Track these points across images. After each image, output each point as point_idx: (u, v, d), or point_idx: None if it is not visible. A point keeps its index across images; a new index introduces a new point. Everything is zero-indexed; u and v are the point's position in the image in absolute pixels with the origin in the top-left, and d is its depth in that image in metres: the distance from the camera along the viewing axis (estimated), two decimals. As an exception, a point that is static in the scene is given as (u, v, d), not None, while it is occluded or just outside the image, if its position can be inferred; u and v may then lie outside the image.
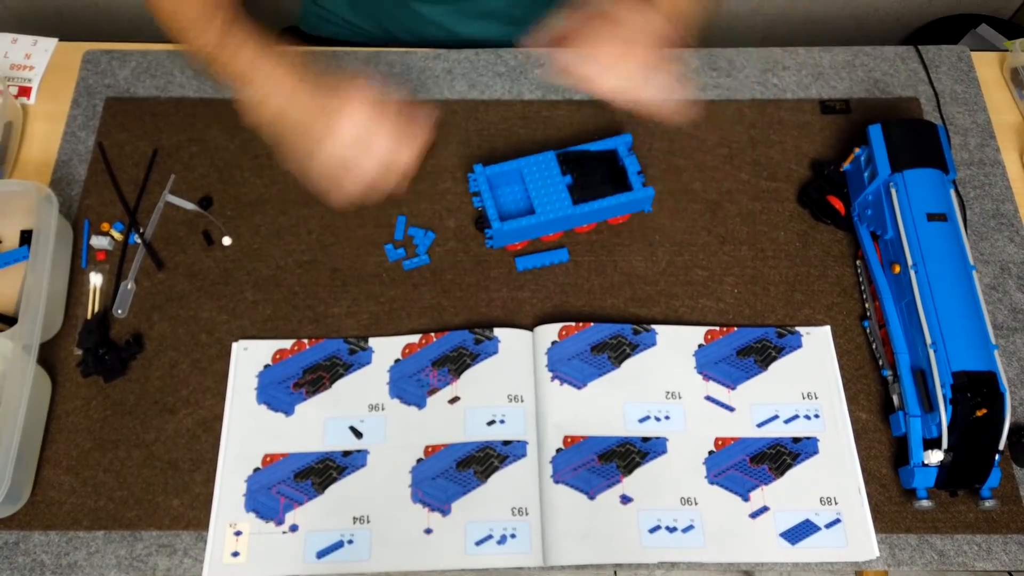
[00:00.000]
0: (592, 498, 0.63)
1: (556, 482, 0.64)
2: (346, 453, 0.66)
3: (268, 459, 0.65)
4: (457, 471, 0.64)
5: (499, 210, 0.72)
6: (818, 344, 0.70)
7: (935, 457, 0.61)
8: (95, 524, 0.64)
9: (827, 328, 0.71)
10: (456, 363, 0.68)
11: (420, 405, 0.67)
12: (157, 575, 0.62)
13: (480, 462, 0.64)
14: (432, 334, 0.70)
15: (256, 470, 0.65)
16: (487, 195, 0.71)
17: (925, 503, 0.62)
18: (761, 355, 0.69)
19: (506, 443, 0.65)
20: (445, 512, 0.63)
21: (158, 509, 0.64)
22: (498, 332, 0.69)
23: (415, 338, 0.70)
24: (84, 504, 0.64)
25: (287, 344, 0.70)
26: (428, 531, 0.63)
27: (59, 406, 0.67)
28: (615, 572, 0.63)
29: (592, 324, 0.70)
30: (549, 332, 0.69)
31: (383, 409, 0.67)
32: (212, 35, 0.69)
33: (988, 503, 0.62)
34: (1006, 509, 0.64)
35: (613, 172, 0.74)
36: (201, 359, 0.69)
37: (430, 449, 0.65)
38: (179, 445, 0.66)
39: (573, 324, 0.69)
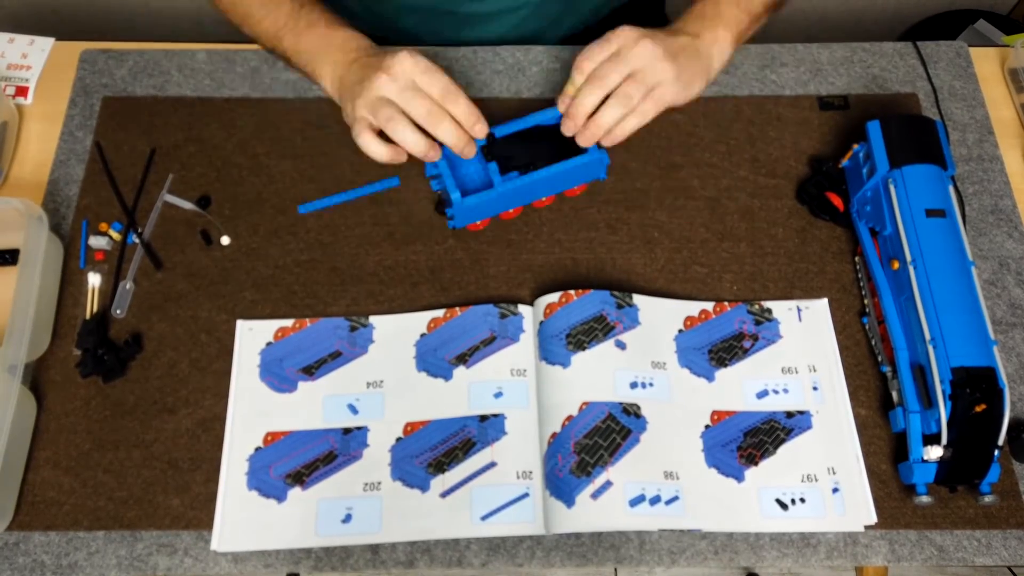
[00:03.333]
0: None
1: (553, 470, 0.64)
2: (347, 431, 0.66)
3: (270, 437, 0.66)
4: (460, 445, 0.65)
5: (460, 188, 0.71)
6: (816, 317, 0.71)
7: (934, 453, 0.61)
8: (95, 524, 0.64)
9: (824, 301, 0.71)
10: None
11: (447, 377, 0.68)
12: (158, 575, 0.62)
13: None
14: (457, 308, 0.70)
15: (258, 449, 0.65)
16: (446, 172, 0.69)
17: (924, 499, 0.62)
18: (729, 353, 0.69)
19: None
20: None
21: (158, 509, 0.64)
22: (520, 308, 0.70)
23: (439, 313, 0.70)
24: (84, 504, 0.64)
25: (288, 323, 0.70)
26: (443, 495, 0.63)
27: (58, 407, 0.67)
28: (615, 570, 0.63)
29: (573, 299, 0.69)
30: (539, 308, 0.70)
31: (381, 385, 0.68)
32: (280, 16, 0.73)
33: (987, 498, 0.62)
34: (1005, 504, 0.64)
35: (561, 146, 0.71)
36: (200, 359, 0.69)
37: (410, 428, 0.66)
38: (179, 445, 0.66)
39: (556, 300, 0.69)
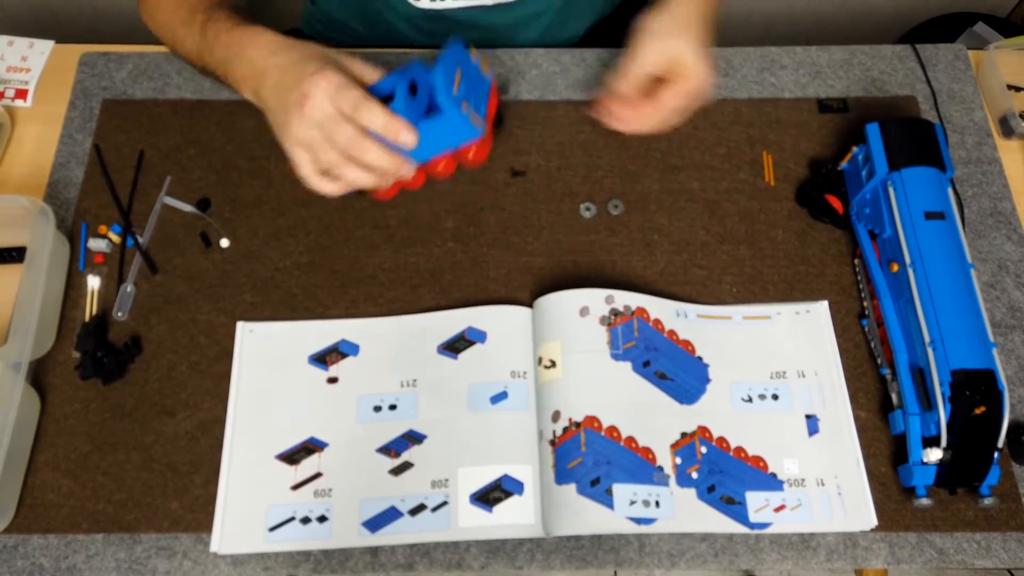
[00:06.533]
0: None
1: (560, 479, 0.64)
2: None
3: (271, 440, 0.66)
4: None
5: None
6: (816, 320, 0.71)
7: (934, 455, 0.61)
8: (94, 527, 0.63)
9: (824, 303, 0.71)
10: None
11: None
12: (157, 578, 0.62)
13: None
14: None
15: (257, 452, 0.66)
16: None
17: (924, 501, 0.62)
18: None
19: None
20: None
21: (157, 512, 0.64)
22: (497, 309, 0.70)
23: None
24: (83, 507, 0.64)
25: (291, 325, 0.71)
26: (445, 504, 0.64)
27: (57, 409, 0.67)
28: (615, 573, 0.63)
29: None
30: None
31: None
32: (196, 32, 0.71)
33: (987, 501, 0.62)
34: (1005, 507, 0.64)
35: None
36: (200, 361, 0.69)
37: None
38: (178, 448, 0.66)
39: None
